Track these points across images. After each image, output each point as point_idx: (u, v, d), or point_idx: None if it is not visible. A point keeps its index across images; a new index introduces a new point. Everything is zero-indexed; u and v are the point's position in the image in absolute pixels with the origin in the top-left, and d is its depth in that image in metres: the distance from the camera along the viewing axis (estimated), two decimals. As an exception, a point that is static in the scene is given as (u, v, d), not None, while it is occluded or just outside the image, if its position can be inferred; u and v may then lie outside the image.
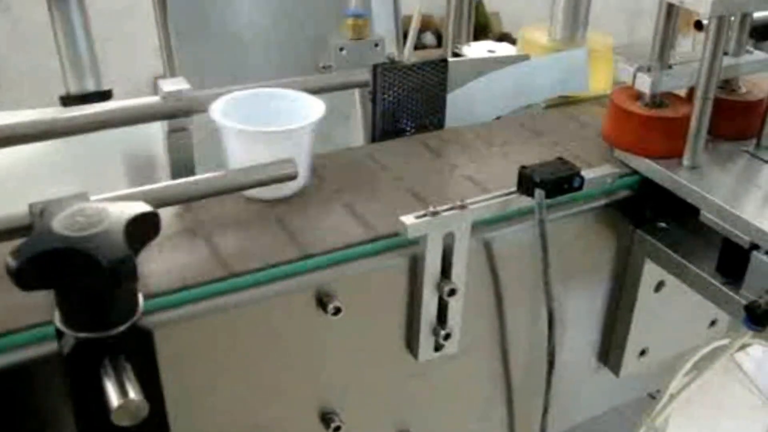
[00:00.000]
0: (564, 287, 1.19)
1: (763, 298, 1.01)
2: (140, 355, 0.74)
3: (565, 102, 1.42)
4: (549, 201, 1.06)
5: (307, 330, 1.00)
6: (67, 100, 1.37)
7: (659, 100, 1.20)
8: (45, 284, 0.69)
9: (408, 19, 1.30)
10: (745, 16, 1.25)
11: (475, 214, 1.03)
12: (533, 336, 1.20)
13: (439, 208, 1.00)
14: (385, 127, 1.25)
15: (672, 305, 1.27)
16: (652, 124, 1.18)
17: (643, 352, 1.30)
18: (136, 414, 0.70)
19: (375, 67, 1.21)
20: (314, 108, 1.08)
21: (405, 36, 1.30)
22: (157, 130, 1.17)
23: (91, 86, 1.37)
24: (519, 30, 1.60)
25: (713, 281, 1.09)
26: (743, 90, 1.28)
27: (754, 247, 1.05)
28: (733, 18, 1.16)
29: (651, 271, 1.22)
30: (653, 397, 1.42)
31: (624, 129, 1.20)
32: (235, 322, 0.94)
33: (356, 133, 1.29)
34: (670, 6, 1.15)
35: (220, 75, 1.21)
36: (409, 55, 1.23)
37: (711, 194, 1.11)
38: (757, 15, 1.47)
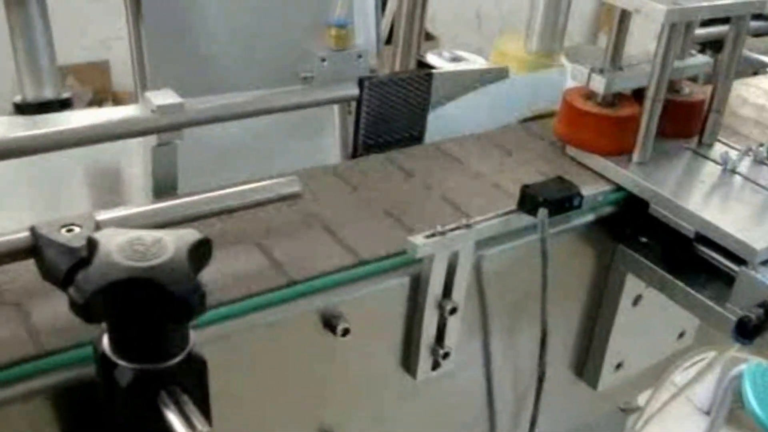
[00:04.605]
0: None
1: (754, 312, 1.10)
2: (196, 384, 0.77)
3: (537, 117, 1.49)
4: (554, 218, 1.13)
5: (311, 352, 1.04)
6: (23, 108, 1.36)
7: (610, 99, 1.31)
8: (110, 316, 0.72)
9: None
10: (690, 23, 1.36)
11: (478, 233, 1.09)
12: (520, 351, 1.27)
13: (446, 228, 1.06)
14: (367, 141, 1.30)
15: (647, 319, 1.37)
16: (604, 123, 1.29)
17: (619, 366, 1.39)
18: (204, 446, 0.73)
19: (362, 81, 1.26)
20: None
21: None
22: (130, 144, 1.18)
23: (49, 94, 1.37)
24: (432, 24, 1.66)
25: (698, 295, 1.18)
26: (686, 91, 1.40)
27: (699, 237, 1.18)
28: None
29: (630, 286, 1.31)
30: (624, 410, 1.52)
31: (577, 127, 1.32)
32: (234, 348, 0.97)
33: (333, 148, 1.33)
34: (624, 12, 1.26)
35: (195, 86, 1.22)
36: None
37: (659, 188, 1.23)
38: (715, 30, 1.60)
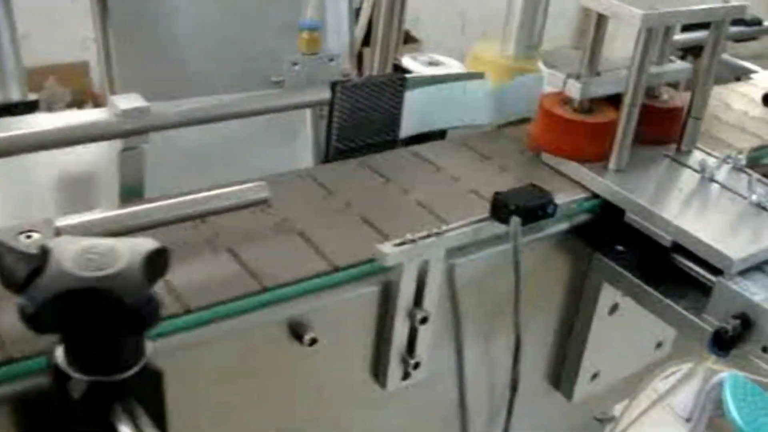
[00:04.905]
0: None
1: (730, 323, 1.09)
2: (151, 396, 0.75)
3: (515, 122, 1.48)
4: (527, 226, 1.12)
5: (279, 362, 1.02)
6: (-12, 110, 1.34)
7: (586, 105, 1.29)
8: (62, 327, 0.70)
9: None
10: (668, 28, 1.35)
11: (449, 241, 1.08)
12: (493, 361, 1.26)
13: (416, 236, 1.04)
14: (339, 146, 1.28)
15: (624, 328, 1.35)
16: (580, 129, 1.28)
17: (595, 376, 1.38)
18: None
19: (334, 84, 1.24)
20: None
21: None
22: (100, 147, 1.17)
23: (15, 96, 1.35)
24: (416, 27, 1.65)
25: (675, 306, 1.17)
26: (665, 97, 1.39)
27: (675, 247, 1.17)
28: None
29: (606, 294, 1.29)
30: (600, 420, 1.51)
31: (553, 133, 1.30)
32: (199, 358, 0.95)
33: (305, 153, 1.31)
34: (601, 17, 1.24)
35: (166, 89, 1.21)
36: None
37: (635, 196, 1.22)
38: (694, 35, 1.59)
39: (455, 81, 1.38)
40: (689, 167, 1.32)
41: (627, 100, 1.24)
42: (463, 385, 1.26)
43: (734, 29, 1.77)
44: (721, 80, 1.71)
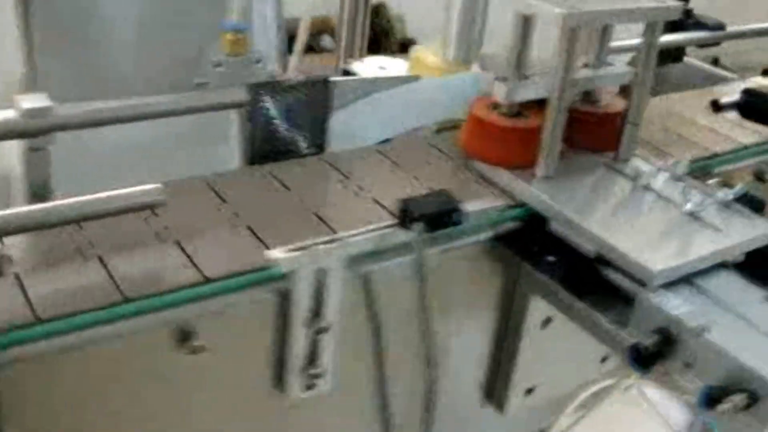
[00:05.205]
0: (448, 321, 1.22)
1: (651, 339, 1.04)
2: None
3: (448, 127, 1.44)
4: (433, 234, 1.08)
5: (164, 371, 1.00)
6: None
7: (516, 109, 1.25)
8: None
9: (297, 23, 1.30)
10: (605, 29, 1.30)
11: (349, 248, 1.05)
12: (413, 372, 1.22)
13: (309, 242, 1.01)
14: (263, 148, 1.26)
15: (561, 342, 1.31)
16: (508, 134, 1.24)
17: (530, 390, 1.34)
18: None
19: (251, 86, 1.21)
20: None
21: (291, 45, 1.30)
22: (12, 146, 1.15)
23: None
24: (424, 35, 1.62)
25: (601, 319, 1.13)
26: (603, 102, 1.34)
27: (599, 259, 1.12)
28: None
29: (538, 307, 1.25)
30: (540, 435, 1.47)
31: (482, 139, 1.26)
32: (75, 365, 0.93)
33: (232, 157, 1.28)
34: (526, 18, 1.20)
35: (84, 89, 1.19)
36: (295, 68, 1.25)
37: (561, 205, 1.17)
38: (668, 38, 1.55)
39: (389, 84, 1.35)
40: (625, 175, 1.28)
41: (552, 104, 1.20)
42: (384, 396, 1.22)
43: (699, 34, 1.74)
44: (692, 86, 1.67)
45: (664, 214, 1.19)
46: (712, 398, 0.96)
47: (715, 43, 1.87)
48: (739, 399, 0.94)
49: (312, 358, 1.08)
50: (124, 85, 1.27)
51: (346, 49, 1.80)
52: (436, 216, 1.08)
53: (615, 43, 1.35)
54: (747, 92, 1.42)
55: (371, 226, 1.08)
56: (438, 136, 1.40)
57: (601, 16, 1.18)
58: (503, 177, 1.24)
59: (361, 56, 1.76)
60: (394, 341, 1.18)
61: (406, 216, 1.07)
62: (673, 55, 1.84)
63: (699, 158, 1.41)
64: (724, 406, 0.95)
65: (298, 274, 1.01)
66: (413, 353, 1.20)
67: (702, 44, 1.86)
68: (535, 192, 1.20)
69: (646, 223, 1.18)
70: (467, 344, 1.29)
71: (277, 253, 0.99)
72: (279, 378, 1.09)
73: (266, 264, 1.00)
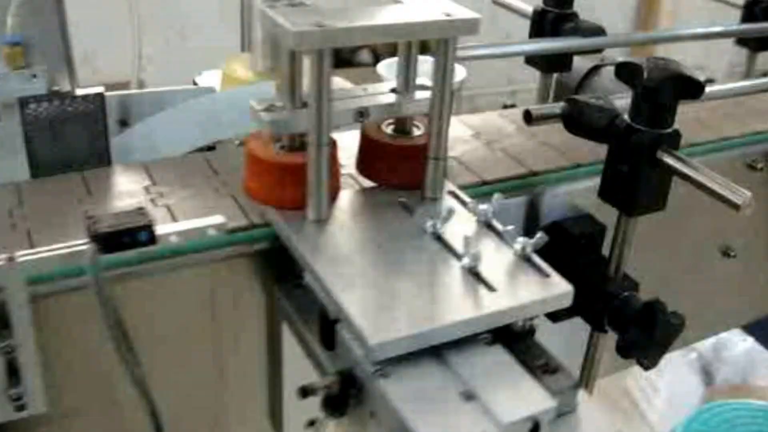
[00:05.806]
0: (221, 341, 1.20)
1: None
2: None
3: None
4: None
5: None
6: None
7: (298, 143, 1.13)
8: None
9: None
10: (409, 49, 1.16)
11: (28, 269, 0.99)
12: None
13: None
14: (42, 162, 1.27)
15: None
16: (277, 171, 1.13)
17: (312, 423, 1.26)
18: None
19: (22, 100, 1.22)
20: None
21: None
22: None
23: None
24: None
25: (318, 350, 1.06)
26: (416, 132, 1.22)
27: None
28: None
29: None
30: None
31: (255, 176, 1.15)
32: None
33: (22, 169, 1.29)
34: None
35: None
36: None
37: (315, 257, 1.05)
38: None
39: (184, 97, 1.34)
40: (414, 220, 1.14)
41: (311, 138, 1.07)
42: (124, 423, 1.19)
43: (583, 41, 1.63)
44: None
45: (436, 269, 1.05)
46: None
47: (596, 50, 1.69)
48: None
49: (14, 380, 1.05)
50: None
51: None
52: (111, 235, 0.99)
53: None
54: (570, 101, 1.23)
55: (60, 245, 1.01)
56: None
57: (351, 34, 1.01)
58: (276, 219, 1.14)
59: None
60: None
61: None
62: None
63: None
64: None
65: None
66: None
67: (579, 52, 1.70)
68: (293, 239, 1.09)
69: (407, 280, 1.03)
70: (245, 368, 1.25)
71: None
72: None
73: None
